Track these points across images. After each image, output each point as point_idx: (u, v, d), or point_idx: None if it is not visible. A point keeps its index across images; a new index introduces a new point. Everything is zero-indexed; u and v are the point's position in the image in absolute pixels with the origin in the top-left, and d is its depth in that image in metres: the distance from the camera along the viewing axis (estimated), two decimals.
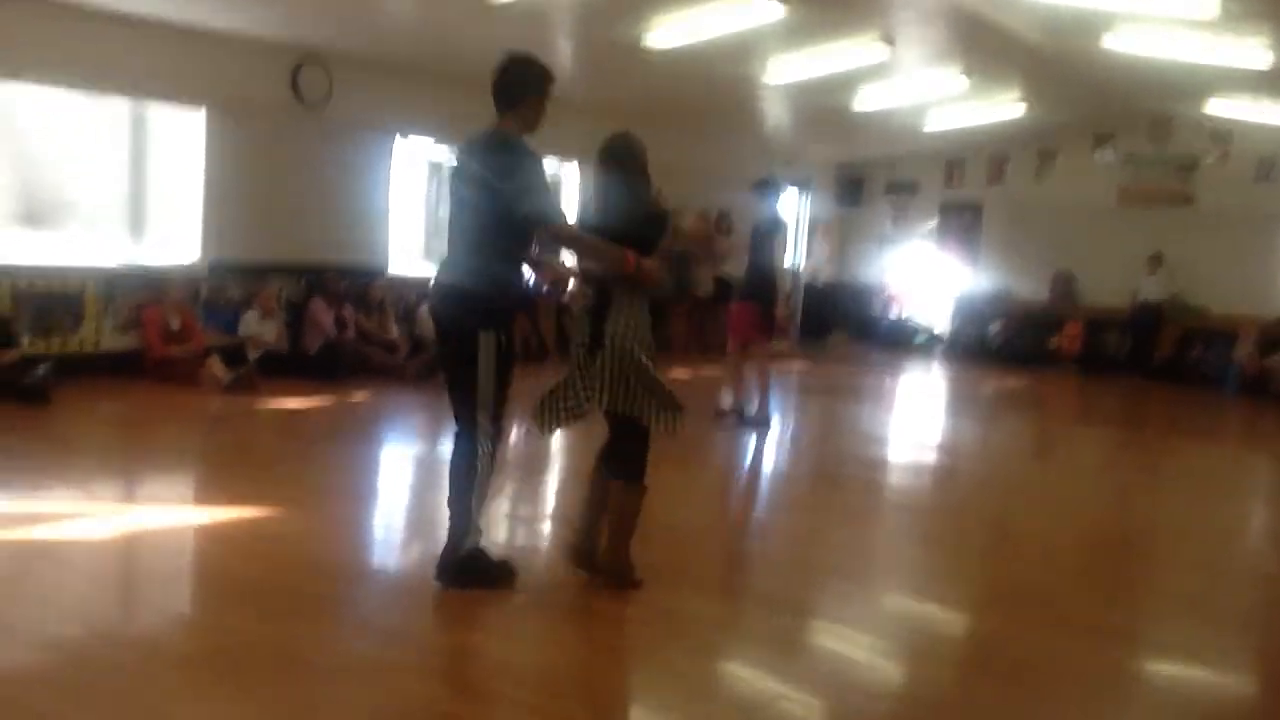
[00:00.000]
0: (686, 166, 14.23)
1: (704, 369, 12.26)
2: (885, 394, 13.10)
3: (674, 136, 13.81)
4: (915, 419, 11.51)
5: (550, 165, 12.83)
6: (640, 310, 4.32)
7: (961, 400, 13.16)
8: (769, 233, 8.80)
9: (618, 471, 4.47)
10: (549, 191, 4.33)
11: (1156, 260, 14.81)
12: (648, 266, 4.25)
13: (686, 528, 5.79)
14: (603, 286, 4.32)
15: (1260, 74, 10.50)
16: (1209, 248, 14.79)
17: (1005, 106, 13.92)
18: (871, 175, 17.70)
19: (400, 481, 7.03)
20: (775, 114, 13.96)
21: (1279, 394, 13.62)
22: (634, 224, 4.37)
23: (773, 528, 6.41)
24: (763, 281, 8.69)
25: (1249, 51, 9.81)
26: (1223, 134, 14.80)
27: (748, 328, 8.81)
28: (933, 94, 12.83)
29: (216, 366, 8.94)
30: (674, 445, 4.91)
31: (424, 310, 10.86)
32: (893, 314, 17.37)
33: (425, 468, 7.06)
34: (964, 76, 12.15)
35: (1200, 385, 14.32)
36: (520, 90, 4.42)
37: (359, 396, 9.22)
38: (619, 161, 4.55)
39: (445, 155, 11.38)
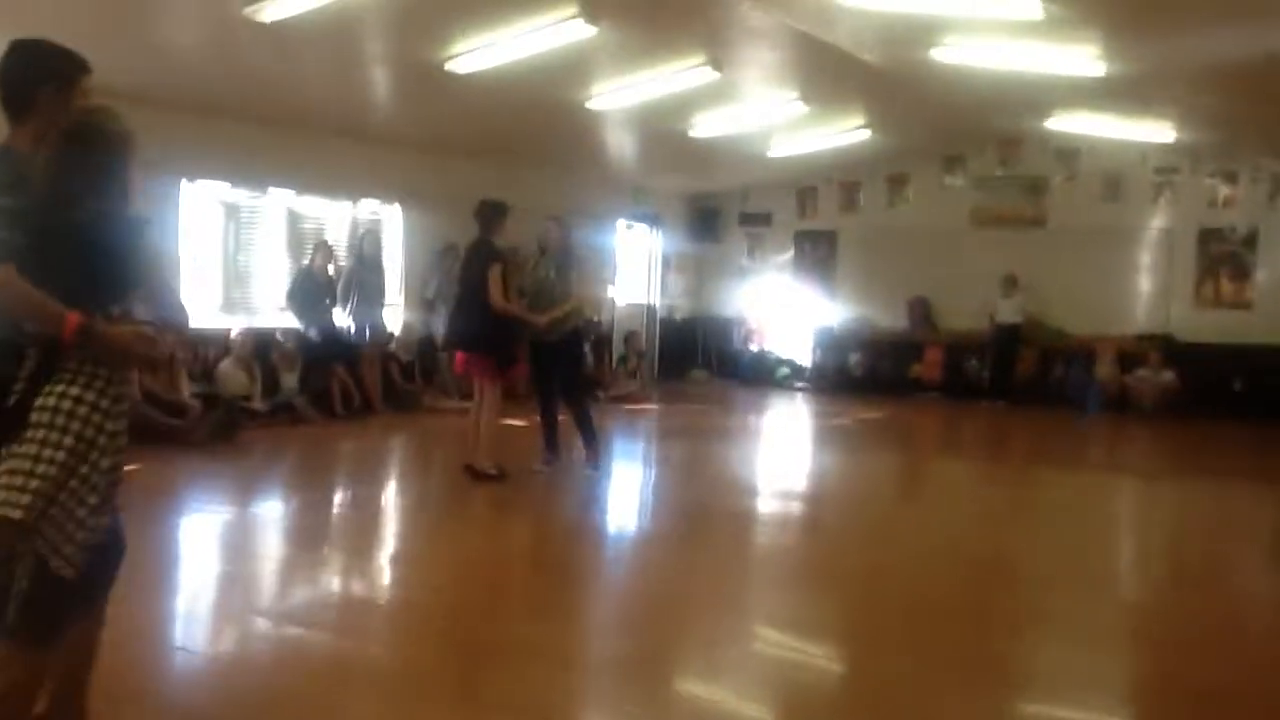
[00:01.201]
0: (525, 202, 13.54)
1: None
2: (745, 432, 12.51)
3: (510, 172, 13.19)
4: (777, 457, 10.95)
5: (369, 207, 12.04)
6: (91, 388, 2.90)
7: (824, 435, 12.64)
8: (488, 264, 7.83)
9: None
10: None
11: (1011, 282, 14.57)
12: (105, 336, 2.86)
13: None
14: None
15: (1096, 85, 10.25)
16: (1063, 267, 14.62)
17: (850, 132, 13.55)
18: (724, 207, 17.23)
19: None
20: (614, 144, 13.37)
21: (1141, 411, 13.43)
22: None
23: (621, 583, 5.79)
24: (489, 324, 7.74)
25: (1080, 61, 9.52)
26: (1069, 153, 14.69)
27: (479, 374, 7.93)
28: (772, 119, 12.38)
29: None
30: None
31: (224, 366, 9.95)
32: (753, 348, 16.85)
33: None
34: (800, 103, 11.73)
35: (1063, 406, 14.07)
36: (27, 88, 3.00)
37: (131, 466, 8.21)
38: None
39: (243, 199, 10.55)
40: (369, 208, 12.02)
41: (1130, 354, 14.01)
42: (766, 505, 8.05)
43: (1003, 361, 14.76)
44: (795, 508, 8.04)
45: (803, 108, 11.90)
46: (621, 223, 15.66)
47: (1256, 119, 11.80)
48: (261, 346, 10.34)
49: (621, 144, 13.45)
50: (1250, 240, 13.92)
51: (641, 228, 16.19)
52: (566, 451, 8.35)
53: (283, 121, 10.52)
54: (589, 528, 7.02)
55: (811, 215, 16.58)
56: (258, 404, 10.06)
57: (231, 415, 9.28)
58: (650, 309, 16.45)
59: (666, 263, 16.61)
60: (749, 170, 15.48)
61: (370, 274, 11.26)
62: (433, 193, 12.04)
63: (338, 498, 7.94)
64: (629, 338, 14.37)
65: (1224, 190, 14.04)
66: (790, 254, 16.76)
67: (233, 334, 10.06)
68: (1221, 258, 14.10)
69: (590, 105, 10.89)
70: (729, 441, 11.43)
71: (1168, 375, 13.56)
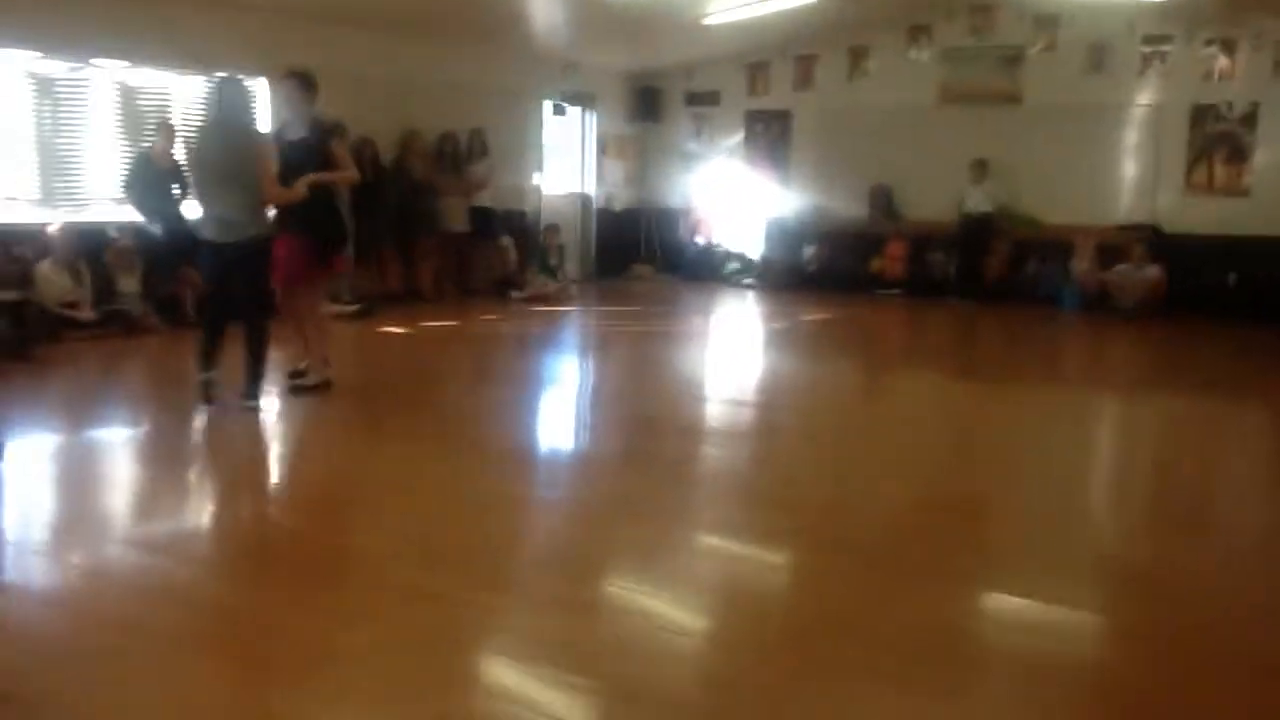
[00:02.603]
0: (430, 81, 11.94)
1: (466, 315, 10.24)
2: (673, 338, 11.06)
3: (410, 46, 11.56)
4: (725, 364, 9.65)
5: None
6: None
7: (767, 339, 11.26)
8: (314, 142, 6.66)
9: None
10: None
11: (981, 167, 13.05)
12: None
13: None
14: None
15: None
16: (1040, 151, 13.08)
17: None
18: (668, 86, 15.51)
19: None
20: (533, 12, 11.68)
21: (1122, 311, 12.03)
22: None
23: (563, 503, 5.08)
24: (312, 208, 6.56)
25: None
26: (1048, 19, 13.03)
27: (289, 266, 6.66)
28: None
29: None
30: None
31: (43, 268, 8.47)
32: (700, 241, 15.32)
33: None
34: None
35: (1037, 304, 12.70)
36: None
37: None
38: None
39: (60, 71, 8.91)
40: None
41: (1112, 247, 12.54)
42: (662, 431, 6.65)
43: (971, 256, 13.32)
44: (712, 428, 6.65)
45: None
46: (548, 103, 13.99)
47: None
48: (91, 245, 8.83)
49: (540, 11, 11.77)
50: (1249, 119, 12.33)
51: (573, 109, 14.51)
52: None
53: None
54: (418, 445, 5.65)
55: (763, 93, 14.90)
56: (85, 312, 8.60)
57: (31, 325, 7.82)
58: (585, 199, 14.87)
59: (603, 147, 14.97)
60: (692, 44, 13.79)
61: None
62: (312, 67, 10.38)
63: (132, 422, 6.55)
64: (546, 231, 12.81)
65: (1221, 61, 12.40)
66: (740, 136, 15.12)
67: (50, 230, 8.54)
68: (1216, 138, 12.52)
69: None
70: (647, 349, 10.02)
71: (1153, 270, 12.12)
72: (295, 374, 7.00)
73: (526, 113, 13.54)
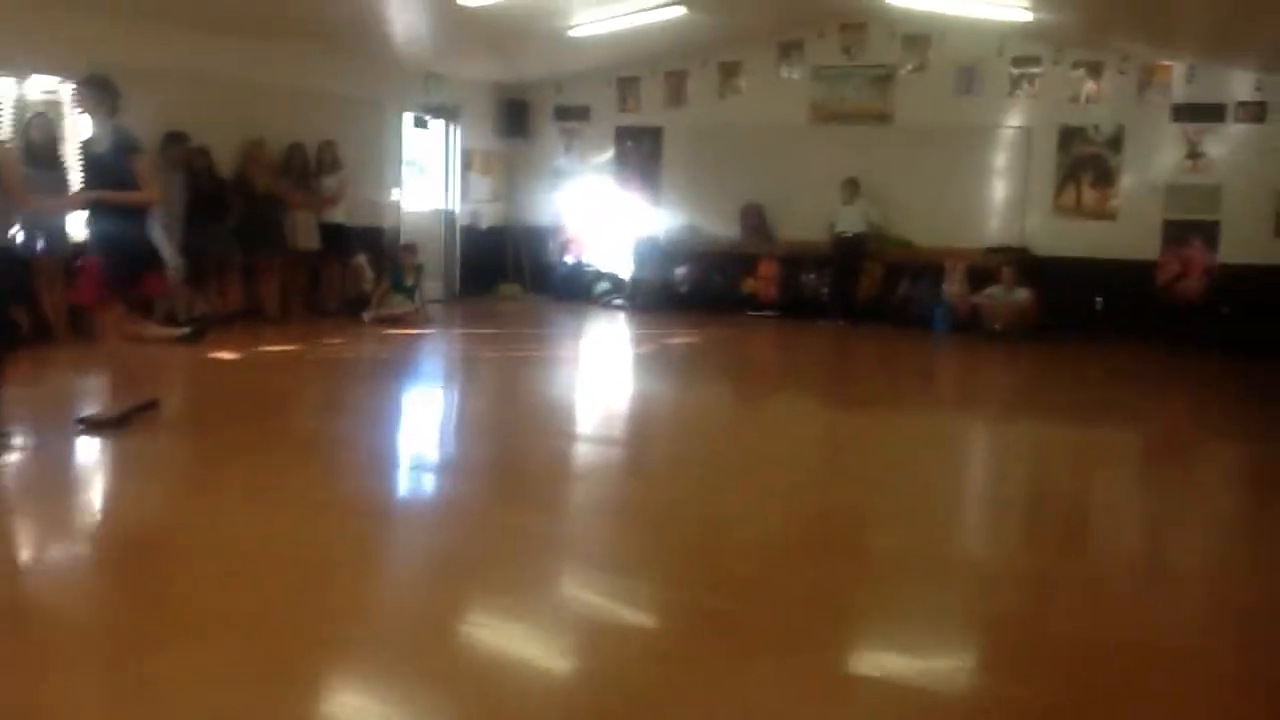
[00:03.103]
0: (277, 88, 11.23)
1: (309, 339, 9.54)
2: (556, 360, 10.52)
3: (254, 48, 10.85)
4: (591, 392, 9.12)
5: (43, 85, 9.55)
6: None
7: (646, 362, 10.84)
8: (112, 158, 6.04)
9: None
10: None
11: (852, 186, 12.85)
12: None
13: None
14: None
15: None
16: (911, 172, 12.95)
17: (663, 9, 11.46)
18: (536, 100, 15.00)
19: None
20: (388, 18, 11.07)
21: (992, 333, 11.90)
22: None
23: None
24: (111, 225, 6.08)
25: None
26: (919, 40, 12.91)
27: (90, 287, 6.20)
28: None
29: None
30: None
31: None
32: (569, 260, 14.81)
33: None
34: None
35: (910, 325, 12.50)
36: None
37: None
38: None
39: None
40: (42, 85, 9.51)
41: (983, 269, 12.43)
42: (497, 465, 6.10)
43: (844, 277, 13.10)
44: (573, 468, 6.12)
45: None
46: (409, 115, 13.35)
47: None
48: None
49: (397, 17, 11.16)
50: (1115, 141, 12.37)
51: (436, 122, 13.90)
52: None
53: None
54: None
55: (634, 109, 14.50)
56: None
57: None
58: (448, 215, 14.25)
59: (467, 162, 14.37)
60: (561, 56, 13.32)
61: (43, 169, 8.86)
62: (143, 69, 9.65)
63: None
64: (402, 249, 12.15)
65: (1088, 84, 12.43)
66: (611, 153, 14.69)
67: None
68: (1084, 161, 12.53)
69: None
70: (507, 376, 9.46)
71: (1023, 293, 12.02)
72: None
73: (384, 124, 12.88)
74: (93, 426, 6.11)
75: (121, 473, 5.70)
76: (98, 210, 6.14)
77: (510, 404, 8.24)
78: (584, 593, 4.12)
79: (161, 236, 7.76)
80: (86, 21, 9.50)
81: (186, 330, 9.40)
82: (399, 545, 4.75)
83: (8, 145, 5.82)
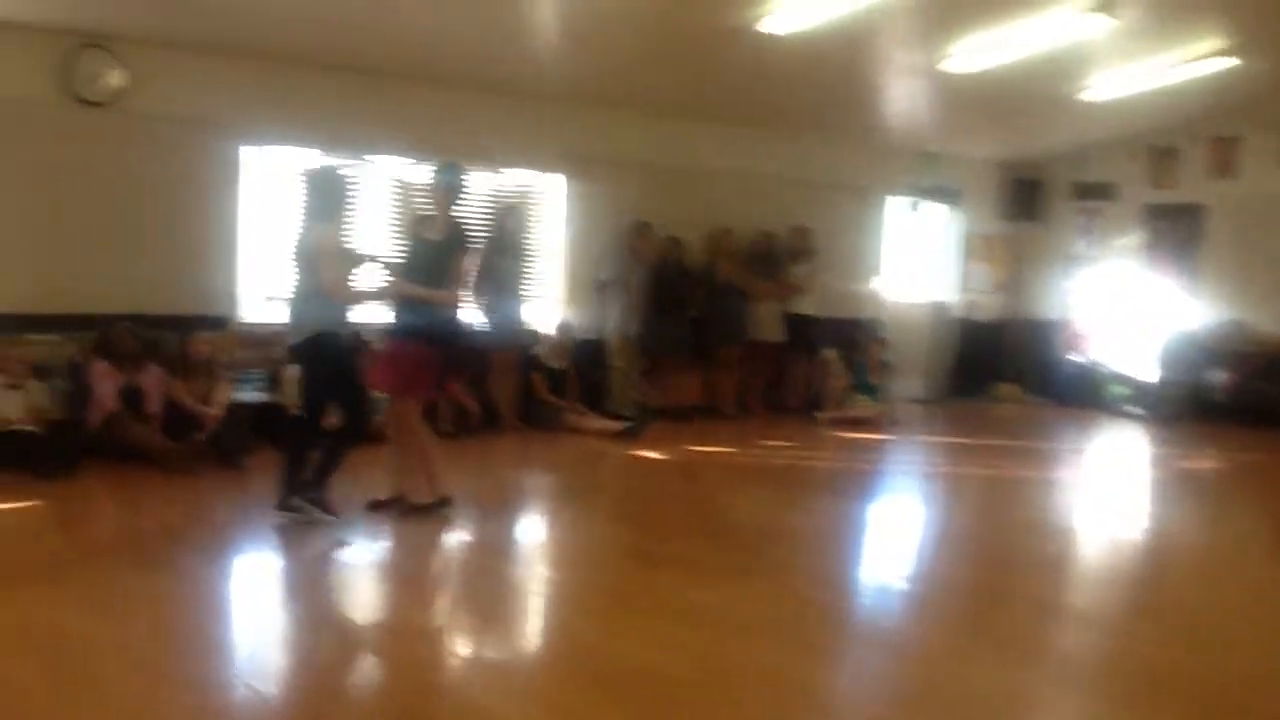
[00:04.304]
0: (748, 172, 10.76)
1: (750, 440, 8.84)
2: (1052, 481, 8.79)
3: (720, 134, 10.52)
4: (1087, 519, 7.54)
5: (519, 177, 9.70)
6: None
7: (1163, 485, 8.99)
8: (444, 250, 5.91)
9: None
10: None
11: None
12: None
13: None
14: None
15: None
16: None
17: (1204, 61, 9.49)
18: (1049, 178, 13.30)
19: None
20: (875, 100, 10.19)
21: None
22: None
23: None
24: (435, 316, 5.92)
25: None
26: None
27: (397, 376, 5.96)
28: (1069, 39, 8.70)
29: None
30: None
31: (293, 370, 7.95)
32: (1078, 358, 12.85)
33: None
34: (1104, 13, 8.08)
35: None
36: None
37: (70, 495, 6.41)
38: None
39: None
40: (517, 179, 9.66)
41: None
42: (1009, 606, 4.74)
43: None
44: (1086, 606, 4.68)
45: (1109, 21, 8.21)
46: (896, 199, 12.30)
47: None
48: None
49: (888, 97, 10.21)
50: None
51: (933, 204, 12.70)
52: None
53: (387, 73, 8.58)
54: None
55: (1169, 184, 12.34)
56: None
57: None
58: (940, 307, 12.93)
59: (966, 248, 13.00)
60: (1077, 126, 11.64)
61: (508, 259, 8.92)
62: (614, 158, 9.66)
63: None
64: (870, 343, 10.98)
65: None
66: (1137, 236, 12.61)
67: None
68: None
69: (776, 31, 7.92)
70: (983, 501, 7.90)
71: None
72: (379, 503, 6.08)
73: (866, 209, 11.95)
74: (413, 510, 5.99)
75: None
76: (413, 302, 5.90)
77: (974, 542, 6.72)
78: None
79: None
80: (565, 115, 9.59)
81: (628, 425, 9.00)
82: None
83: (330, 231, 5.63)
